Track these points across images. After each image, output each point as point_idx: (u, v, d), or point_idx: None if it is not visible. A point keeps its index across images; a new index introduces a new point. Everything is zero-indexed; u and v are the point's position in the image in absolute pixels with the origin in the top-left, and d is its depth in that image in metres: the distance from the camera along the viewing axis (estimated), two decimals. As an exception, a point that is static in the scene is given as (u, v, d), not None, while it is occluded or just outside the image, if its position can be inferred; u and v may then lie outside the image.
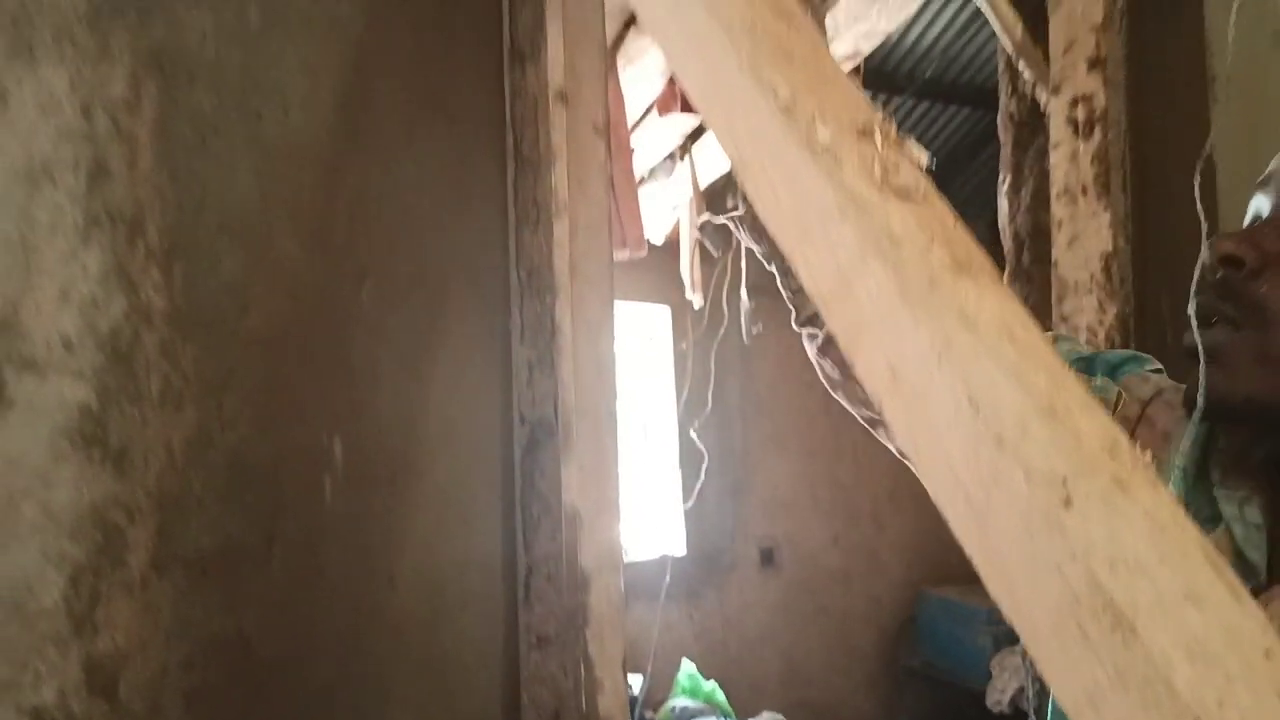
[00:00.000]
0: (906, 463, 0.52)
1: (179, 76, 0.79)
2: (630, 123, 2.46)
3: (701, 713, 3.27)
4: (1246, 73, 1.45)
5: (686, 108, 2.30)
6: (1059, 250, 1.56)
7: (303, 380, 0.94)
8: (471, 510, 1.08)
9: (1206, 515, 0.61)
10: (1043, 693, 1.45)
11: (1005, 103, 1.80)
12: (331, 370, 0.96)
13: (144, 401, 0.81)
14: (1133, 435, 0.71)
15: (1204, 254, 0.60)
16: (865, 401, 0.93)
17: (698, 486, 3.88)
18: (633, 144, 2.50)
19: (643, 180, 3.08)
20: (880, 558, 4.32)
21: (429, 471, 1.05)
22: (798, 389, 4.11)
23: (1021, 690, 3.15)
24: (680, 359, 3.94)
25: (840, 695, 4.21)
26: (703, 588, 3.95)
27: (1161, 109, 1.56)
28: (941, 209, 0.50)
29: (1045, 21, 1.61)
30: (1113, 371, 0.76)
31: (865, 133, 0.52)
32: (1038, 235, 1.71)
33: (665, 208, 3.33)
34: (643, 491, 3.91)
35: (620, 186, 2.00)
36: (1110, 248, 1.51)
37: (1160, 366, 0.76)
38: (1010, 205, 1.81)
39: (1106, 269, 1.51)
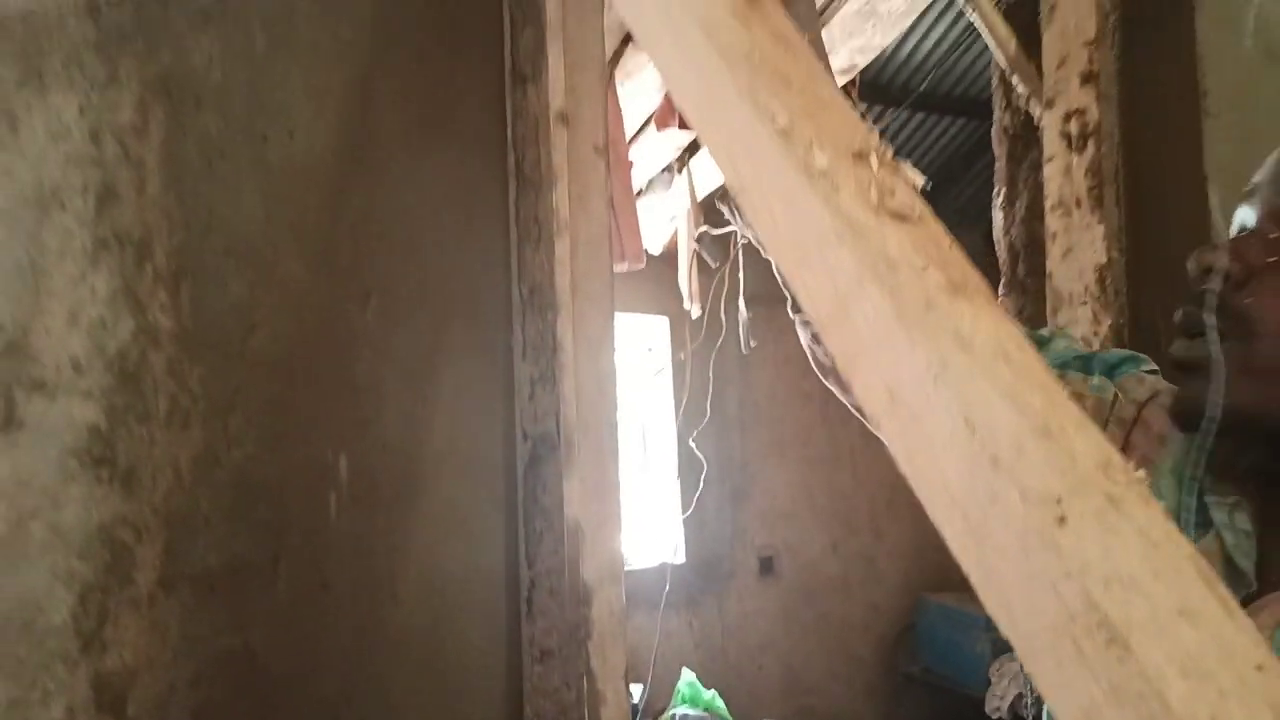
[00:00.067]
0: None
1: (186, 101, 0.80)
2: (628, 136, 2.48)
3: (702, 722, 3.27)
4: (1238, 87, 1.47)
5: (684, 123, 2.32)
6: (1053, 262, 1.58)
7: (308, 399, 0.95)
8: (475, 525, 1.09)
9: (1198, 521, 0.62)
10: (1041, 700, 1.45)
11: (999, 116, 1.82)
12: (337, 389, 0.97)
13: (152, 421, 0.82)
14: (1128, 437, 0.71)
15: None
16: None
17: (697, 495, 3.89)
18: (631, 157, 2.52)
19: (641, 192, 3.09)
20: (879, 565, 4.33)
21: (433, 487, 1.05)
22: (796, 398, 4.12)
23: (1020, 697, 3.15)
24: (679, 369, 3.96)
25: (840, 703, 4.21)
26: (702, 596, 3.95)
27: (1154, 123, 1.57)
28: (937, 230, 0.51)
29: (1038, 37, 1.63)
30: (1110, 371, 0.77)
31: (861, 156, 0.53)
32: (1033, 247, 1.73)
33: (663, 220, 3.34)
34: (642, 501, 3.92)
35: (619, 200, 2.01)
36: (1104, 260, 1.52)
37: (1156, 368, 0.77)
38: (1005, 218, 1.82)
39: (1101, 281, 1.52)
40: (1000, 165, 1.83)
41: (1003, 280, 1.82)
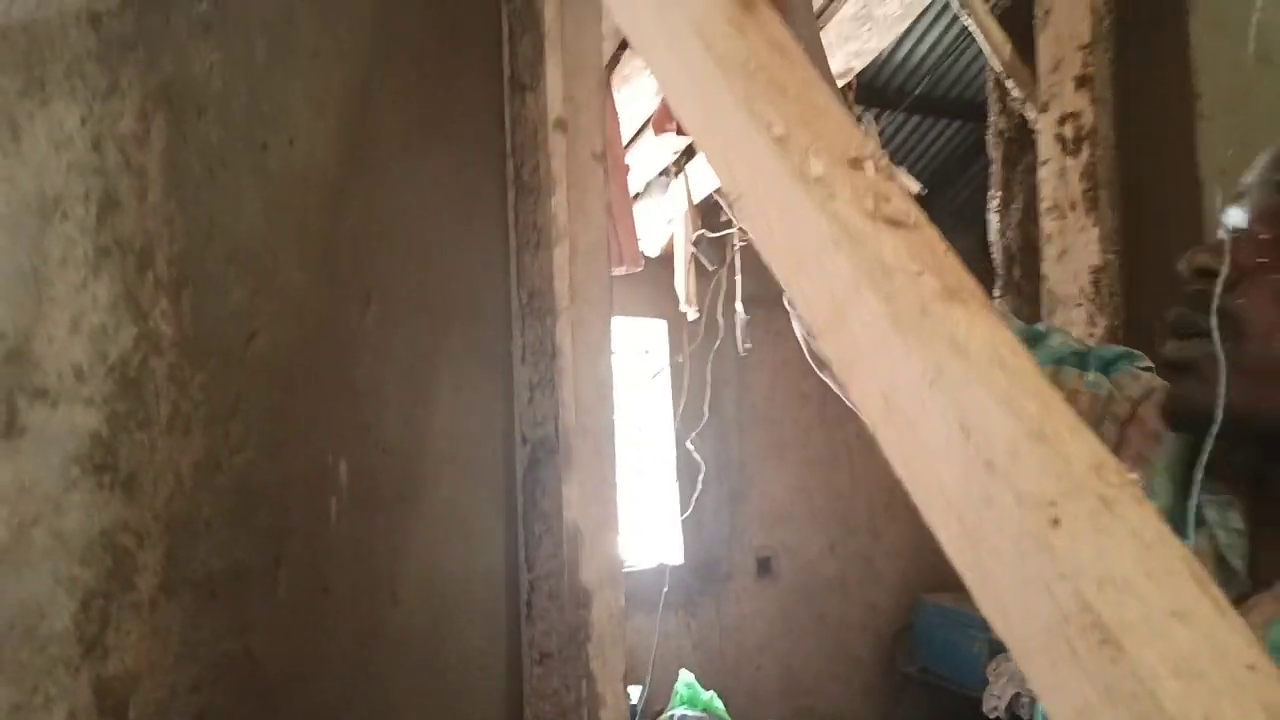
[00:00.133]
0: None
1: (187, 109, 0.81)
2: (626, 140, 2.48)
3: (701, 724, 3.27)
4: (1232, 90, 1.48)
5: (681, 128, 2.33)
6: (1049, 265, 1.59)
7: (309, 404, 0.95)
8: (475, 528, 1.09)
9: (1193, 519, 0.62)
10: (1034, 700, 1.46)
11: (994, 120, 1.83)
12: (337, 394, 0.98)
13: (153, 427, 0.82)
14: (1123, 434, 0.71)
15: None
16: None
17: (695, 497, 3.89)
18: (628, 161, 2.52)
19: (638, 196, 3.10)
20: (877, 566, 4.33)
21: (433, 491, 1.06)
22: (794, 399, 4.13)
23: (1018, 696, 3.16)
24: (677, 371, 3.96)
25: (838, 703, 4.21)
26: (700, 597, 3.96)
27: (1149, 126, 1.58)
28: (932, 236, 0.52)
29: (1033, 41, 1.64)
30: (1105, 367, 0.77)
31: (857, 163, 0.54)
32: (1028, 250, 1.73)
33: (661, 223, 3.35)
34: (641, 502, 3.92)
35: (616, 204, 2.02)
36: (1099, 262, 1.53)
37: (1152, 365, 0.77)
38: (1000, 221, 1.83)
39: (1096, 283, 1.53)
40: (995, 169, 1.84)
41: (999, 282, 1.83)
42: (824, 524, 4.26)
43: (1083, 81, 1.58)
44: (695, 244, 3.45)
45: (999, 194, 1.84)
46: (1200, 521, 0.62)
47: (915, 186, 0.78)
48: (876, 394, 0.46)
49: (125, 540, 0.82)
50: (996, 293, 1.81)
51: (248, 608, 0.90)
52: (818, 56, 0.87)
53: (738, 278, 3.54)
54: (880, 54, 2.29)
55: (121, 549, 0.82)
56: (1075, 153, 1.57)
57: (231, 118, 0.85)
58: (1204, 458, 0.60)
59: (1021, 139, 1.76)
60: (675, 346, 3.97)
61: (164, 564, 0.84)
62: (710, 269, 3.62)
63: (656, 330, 3.99)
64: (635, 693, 3.26)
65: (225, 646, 0.88)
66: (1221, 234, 0.63)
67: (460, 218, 1.09)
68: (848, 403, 0.96)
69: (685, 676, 3.51)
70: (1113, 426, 0.72)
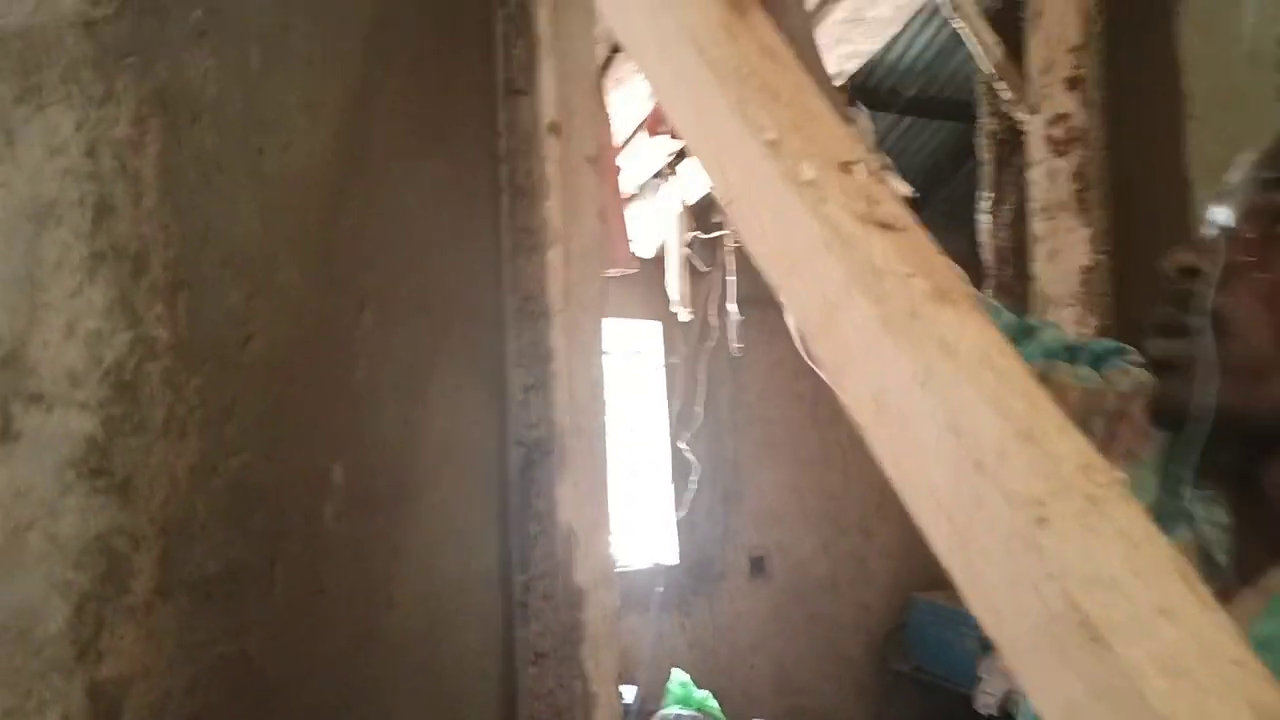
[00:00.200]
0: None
1: (182, 115, 0.81)
2: (620, 142, 2.49)
3: (695, 722, 3.28)
4: (1220, 91, 1.49)
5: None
6: (1039, 265, 1.60)
7: (304, 407, 0.95)
8: (469, 530, 1.10)
9: (1178, 515, 0.63)
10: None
11: (985, 122, 1.84)
12: (333, 397, 0.98)
13: (148, 431, 0.82)
14: (1114, 430, 0.72)
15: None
16: None
17: (689, 497, 3.90)
18: (621, 163, 2.53)
19: (632, 197, 3.11)
20: (869, 565, 4.34)
21: (428, 493, 1.06)
22: (787, 400, 4.14)
23: (1010, 693, 3.17)
24: (671, 372, 3.97)
25: (831, 702, 4.22)
26: (694, 597, 3.96)
27: (1138, 127, 1.59)
28: (922, 239, 0.52)
29: (1023, 43, 1.65)
30: (1097, 362, 0.77)
31: (848, 167, 0.54)
32: (1019, 250, 1.74)
33: (655, 225, 3.35)
34: (635, 503, 3.92)
35: (609, 206, 2.02)
36: (1089, 262, 1.54)
37: (1143, 360, 0.77)
38: (991, 221, 1.84)
39: (1086, 283, 1.54)
40: (986, 170, 1.85)
41: (991, 283, 1.84)
42: (817, 524, 4.27)
43: (1073, 83, 1.59)
44: (688, 245, 3.46)
45: (990, 195, 1.85)
46: (1187, 516, 0.62)
47: (905, 189, 0.78)
48: (867, 395, 0.47)
49: (120, 544, 0.82)
50: (988, 293, 1.82)
51: (243, 610, 0.90)
52: (813, 56, 0.88)
53: (732, 278, 3.54)
54: (872, 56, 2.30)
55: (116, 552, 0.82)
56: (1065, 154, 1.58)
57: (227, 123, 0.85)
58: (1190, 455, 0.60)
59: (1012, 140, 1.77)
60: (670, 348, 3.98)
61: (159, 567, 0.84)
62: (703, 271, 3.63)
63: (651, 332, 4.00)
64: (630, 692, 3.26)
65: (220, 649, 0.88)
66: (1207, 232, 0.63)
67: (455, 221, 1.09)
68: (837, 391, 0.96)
69: (679, 676, 3.51)
70: (1103, 422, 0.72)
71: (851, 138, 0.58)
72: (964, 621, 3.72)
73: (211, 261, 0.85)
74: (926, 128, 3.86)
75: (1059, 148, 1.58)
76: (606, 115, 1.95)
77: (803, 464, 4.23)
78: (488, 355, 1.10)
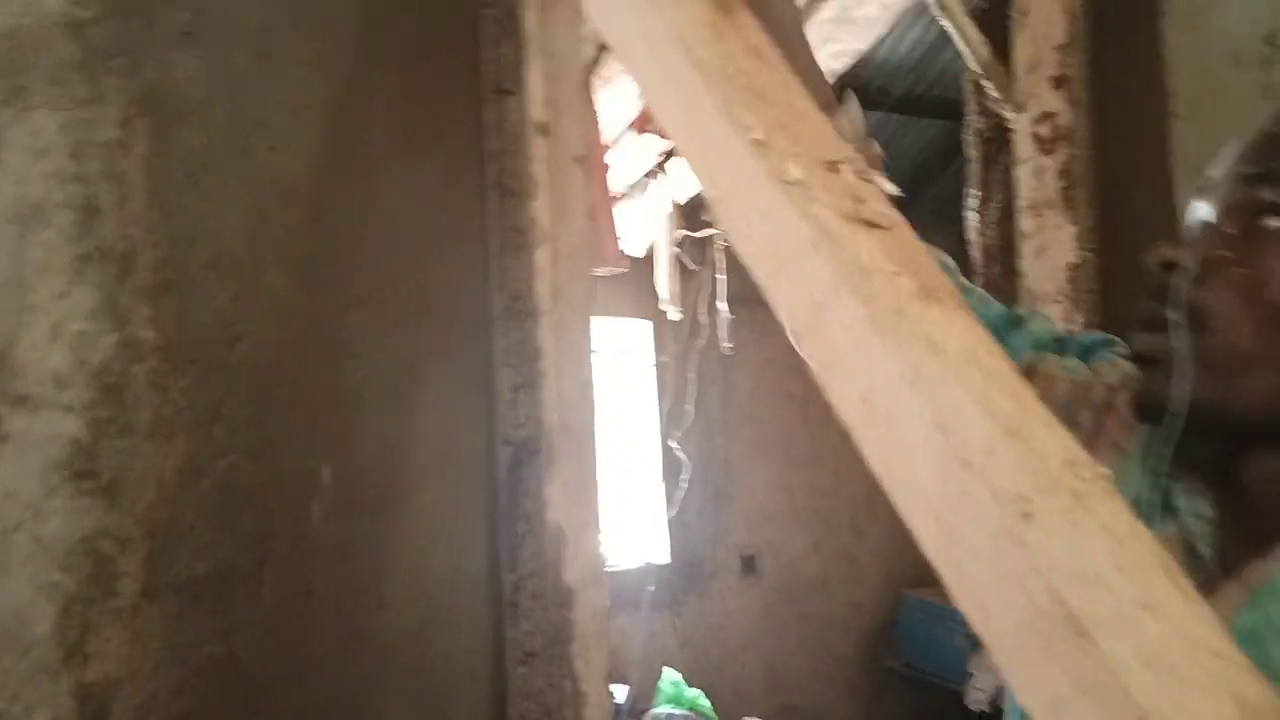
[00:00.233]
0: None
1: (169, 117, 0.81)
2: (609, 140, 2.49)
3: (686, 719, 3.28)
4: (1204, 89, 1.50)
5: (662, 127, 2.32)
6: (1027, 262, 1.61)
7: (292, 408, 0.95)
8: (459, 530, 1.10)
9: (1162, 508, 0.63)
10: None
11: (972, 120, 1.85)
12: (320, 398, 0.98)
13: (135, 433, 0.82)
14: (1101, 422, 0.72)
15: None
16: None
17: (679, 495, 3.90)
18: (609, 161, 2.53)
19: (621, 196, 3.10)
20: (860, 563, 4.35)
21: (417, 494, 1.06)
22: (778, 398, 4.14)
23: (1000, 689, 3.18)
24: (662, 371, 3.97)
25: (822, 700, 4.23)
26: (685, 596, 3.96)
27: (1124, 125, 1.60)
28: (908, 237, 0.52)
29: (1009, 42, 1.66)
30: (1085, 354, 0.77)
31: (834, 166, 0.54)
32: (1006, 247, 1.75)
33: (644, 223, 3.35)
34: (626, 502, 3.93)
35: (597, 205, 2.02)
36: (1076, 259, 1.55)
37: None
38: (979, 218, 1.85)
39: (1073, 279, 1.55)
40: (974, 168, 1.86)
41: (979, 280, 1.85)
42: (807, 522, 4.28)
43: (1059, 82, 1.60)
44: (678, 244, 3.46)
45: (977, 193, 1.86)
46: (1172, 509, 0.63)
47: (892, 188, 0.79)
48: (855, 394, 0.47)
49: (106, 546, 0.82)
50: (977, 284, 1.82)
51: (231, 612, 0.90)
52: (803, 48, 0.88)
53: (721, 277, 3.55)
54: (861, 54, 2.30)
55: (103, 555, 0.82)
56: (1052, 152, 1.59)
57: (214, 124, 0.85)
58: (1167, 448, 0.61)
59: (999, 138, 1.78)
60: (660, 347, 3.98)
61: (146, 569, 0.84)
62: (693, 269, 3.63)
63: (641, 330, 4.00)
64: (622, 692, 3.27)
65: (208, 650, 0.88)
66: (1188, 227, 0.64)
67: (443, 221, 1.09)
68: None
69: (670, 675, 3.51)
70: (1091, 414, 0.72)
71: (837, 137, 0.58)
72: (954, 618, 3.73)
73: (198, 263, 0.85)
74: (915, 126, 3.87)
75: (1045, 146, 1.59)
76: (595, 114, 1.95)
77: (794, 462, 4.24)
78: (476, 355, 1.10)
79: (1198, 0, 1.51)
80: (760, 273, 0.53)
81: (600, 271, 2.23)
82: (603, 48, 1.95)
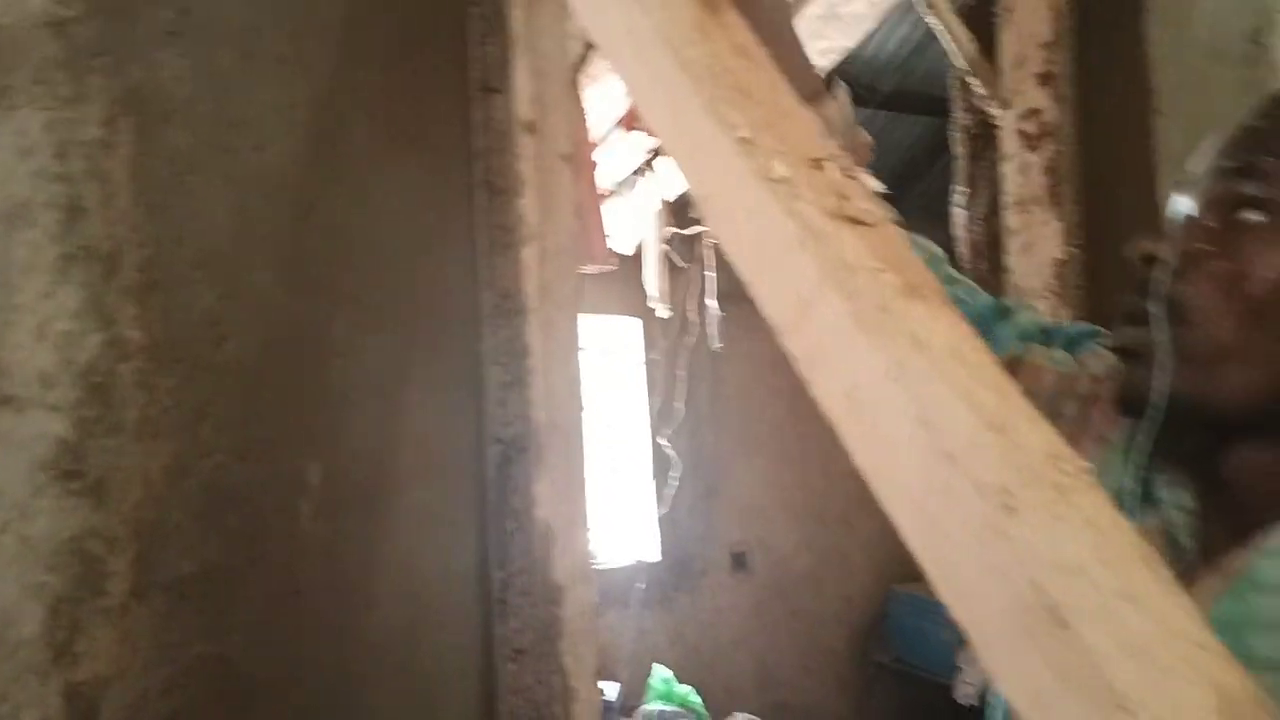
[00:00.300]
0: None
1: (154, 116, 0.81)
2: (597, 138, 2.49)
3: (677, 716, 3.29)
4: (1188, 85, 1.51)
5: (650, 125, 2.32)
6: (1013, 258, 1.61)
7: (279, 407, 0.95)
8: (447, 528, 1.10)
9: (1145, 499, 0.64)
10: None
11: (958, 116, 1.85)
12: (308, 396, 0.98)
13: (121, 433, 0.82)
14: (1086, 413, 0.72)
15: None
16: None
17: (670, 493, 3.91)
18: (597, 159, 2.53)
19: (610, 194, 3.10)
20: (850, 559, 4.37)
21: (405, 492, 1.06)
22: (767, 395, 4.15)
23: (989, 683, 3.19)
24: (652, 368, 3.97)
25: (813, 695, 4.25)
26: (676, 593, 3.97)
27: (1109, 122, 1.61)
28: (893, 234, 0.53)
29: (995, 39, 1.67)
30: (1072, 345, 0.77)
31: (820, 164, 0.55)
32: (993, 243, 1.76)
33: (632, 221, 3.35)
34: (617, 500, 3.93)
35: (585, 203, 2.02)
36: (1062, 255, 1.56)
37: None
38: (966, 215, 1.86)
39: (1059, 275, 1.56)
40: (960, 164, 1.87)
41: (966, 276, 1.86)
42: (798, 518, 4.29)
43: (1045, 79, 1.61)
44: (667, 241, 3.46)
45: (964, 189, 1.87)
46: (1154, 500, 0.63)
47: (877, 185, 0.79)
48: (840, 390, 0.47)
49: (94, 546, 0.82)
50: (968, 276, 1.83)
51: (220, 611, 0.90)
52: (791, 42, 0.88)
53: (711, 274, 3.55)
54: (848, 51, 2.31)
55: (90, 555, 0.81)
56: (1038, 148, 1.60)
57: (199, 123, 0.85)
58: (1148, 440, 0.61)
59: (986, 135, 1.79)
60: (650, 344, 3.98)
61: (134, 569, 0.84)
62: (683, 266, 3.64)
63: (631, 328, 4.00)
64: (614, 689, 3.27)
65: (198, 649, 0.88)
66: (1169, 221, 0.64)
67: (430, 220, 1.09)
68: None
69: (660, 672, 3.52)
70: (1077, 406, 0.73)
71: (823, 135, 0.59)
72: (943, 613, 3.73)
73: (184, 262, 0.85)
74: (903, 122, 3.88)
75: (1031, 142, 1.60)
76: (582, 112, 1.95)
77: (783, 459, 4.24)
78: (464, 353, 1.10)
79: (1181, -3, 1.52)
80: (746, 270, 0.54)
81: (589, 269, 2.23)
82: (590, 45, 1.95)
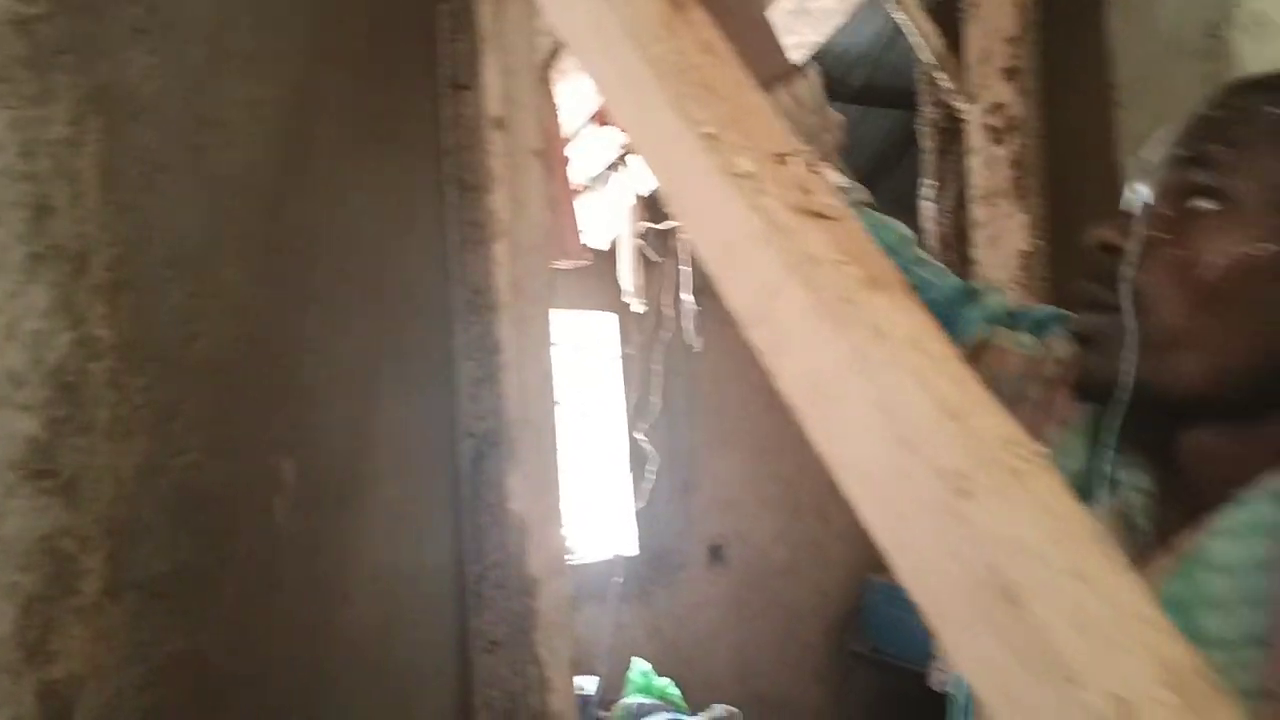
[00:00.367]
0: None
1: (122, 114, 0.80)
2: (570, 132, 2.49)
3: (656, 709, 3.30)
4: (1149, 79, 1.54)
5: (622, 120, 2.32)
6: (980, 250, 1.64)
7: (252, 405, 0.95)
8: (422, 523, 1.10)
9: (1104, 481, 0.65)
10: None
11: (926, 111, 1.88)
12: (280, 394, 0.98)
13: (93, 431, 0.82)
14: (1050, 396, 0.73)
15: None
16: None
17: (647, 487, 3.92)
18: (571, 154, 2.53)
19: (584, 189, 3.10)
20: (826, 550, 4.40)
21: (380, 488, 1.07)
22: (743, 388, 4.17)
23: (965, 672, 3.22)
24: (628, 363, 3.98)
25: (790, 686, 4.28)
26: (654, 587, 3.98)
27: (1072, 115, 1.64)
28: (855, 227, 0.54)
29: (961, 34, 1.69)
30: (1038, 328, 0.78)
31: (784, 159, 0.56)
32: (961, 236, 1.79)
33: (606, 216, 3.36)
34: (594, 494, 3.94)
35: (558, 198, 2.03)
36: (1028, 247, 1.59)
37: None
38: (934, 208, 1.88)
39: (1025, 267, 1.59)
40: (928, 158, 1.89)
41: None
42: (774, 511, 4.31)
43: (1010, 73, 1.63)
44: (641, 236, 3.47)
45: (933, 182, 1.89)
46: (1113, 482, 0.64)
47: (840, 180, 0.80)
48: (803, 379, 0.48)
49: (67, 545, 0.81)
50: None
51: (195, 608, 0.90)
52: (760, 23, 0.88)
53: (686, 268, 3.56)
54: (819, 46, 2.32)
55: (63, 554, 0.81)
56: (1003, 142, 1.62)
57: (167, 122, 0.85)
58: (1112, 428, 0.63)
59: (953, 129, 1.81)
60: (625, 339, 3.99)
61: (107, 567, 0.83)
62: (657, 261, 3.65)
63: (606, 323, 4.01)
64: (591, 683, 3.28)
65: (172, 647, 0.88)
66: (1124, 209, 0.65)
67: (402, 216, 1.09)
68: None
69: (639, 665, 3.53)
70: (1042, 389, 0.74)
71: (786, 129, 0.60)
72: (917, 601, 3.78)
73: (154, 261, 0.85)
74: (873, 116, 3.90)
75: (997, 136, 1.62)
76: (554, 108, 1.95)
77: (759, 452, 4.26)
78: (437, 348, 1.10)
79: (1141, -8, 1.54)
80: (712, 264, 0.55)
81: (562, 264, 2.23)
82: (561, 41, 1.95)
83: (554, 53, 1.96)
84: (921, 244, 0.95)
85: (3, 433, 0.77)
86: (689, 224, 0.57)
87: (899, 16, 1.76)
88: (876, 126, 3.98)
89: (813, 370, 0.48)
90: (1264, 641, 0.51)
